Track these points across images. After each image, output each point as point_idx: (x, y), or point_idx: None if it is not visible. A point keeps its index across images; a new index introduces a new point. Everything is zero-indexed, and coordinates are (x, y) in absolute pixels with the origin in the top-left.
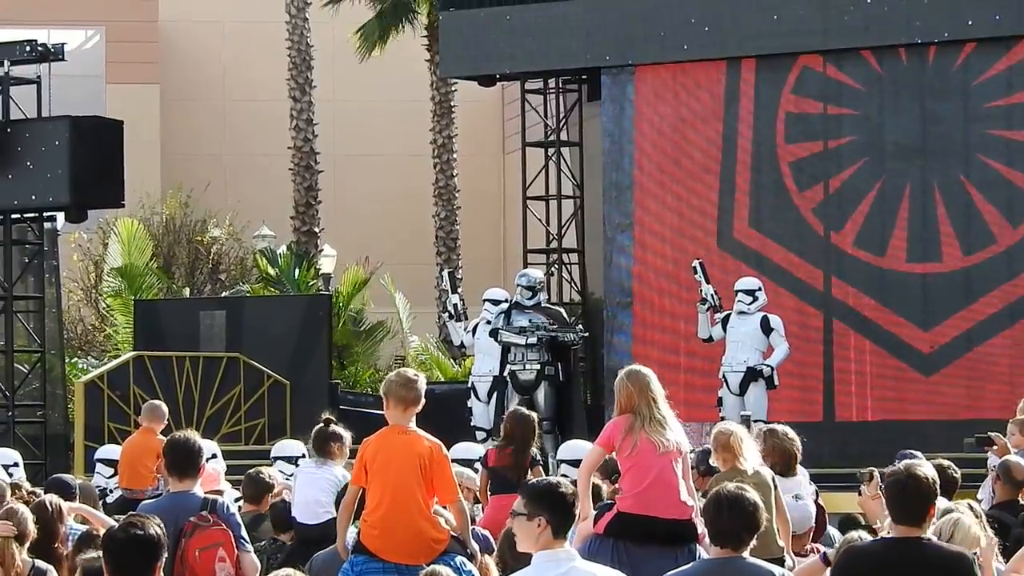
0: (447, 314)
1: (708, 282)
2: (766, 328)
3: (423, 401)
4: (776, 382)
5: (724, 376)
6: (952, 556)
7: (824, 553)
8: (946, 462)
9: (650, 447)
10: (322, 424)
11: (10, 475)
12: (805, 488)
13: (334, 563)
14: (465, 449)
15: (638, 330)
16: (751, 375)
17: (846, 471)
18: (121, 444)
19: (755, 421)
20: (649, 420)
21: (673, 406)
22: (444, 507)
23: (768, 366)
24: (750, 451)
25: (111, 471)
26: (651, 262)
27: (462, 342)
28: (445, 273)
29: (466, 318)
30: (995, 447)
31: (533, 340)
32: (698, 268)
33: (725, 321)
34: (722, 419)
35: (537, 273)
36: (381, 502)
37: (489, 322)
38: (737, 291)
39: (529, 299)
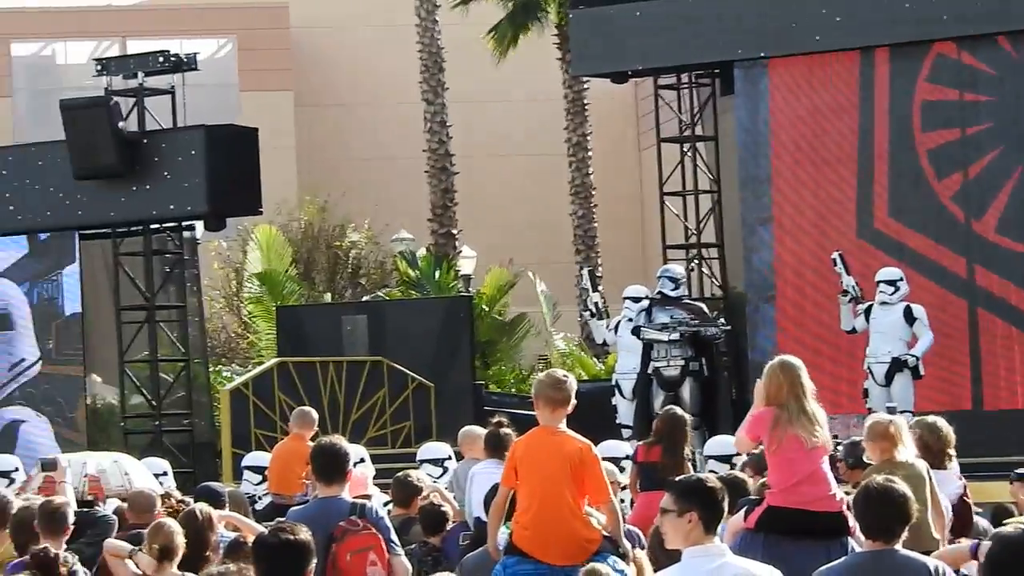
0: (588, 312)
1: (849, 273)
2: (909, 318)
3: (573, 402)
4: (921, 372)
5: (869, 367)
6: None
7: (977, 543)
8: None
9: (797, 442)
10: (495, 425)
11: (160, 484)
12: (948, 486)
13: (486, 564)
14: (610, 447)
15: (781, 323)
16: (896, 365)
17: (996, 460)
18: (268, 450)
19: (902, 412)
20: (797, 414)
21: (820, 399)
22: (595, 507)
23: (913, 356)
24: (907, 442)
25: (259, 478)
26: (791, 255)
27: (604, 340)
28: (585, 272)
29: (607, 316)
30: None
31: (675, 336)
32: (838, 260)
33: (868, 312)
34: (869, 411)
35: (679, 267)
36: (532, 503)
37: (631, 320)
38: (879, 281)
39: (673, 290)
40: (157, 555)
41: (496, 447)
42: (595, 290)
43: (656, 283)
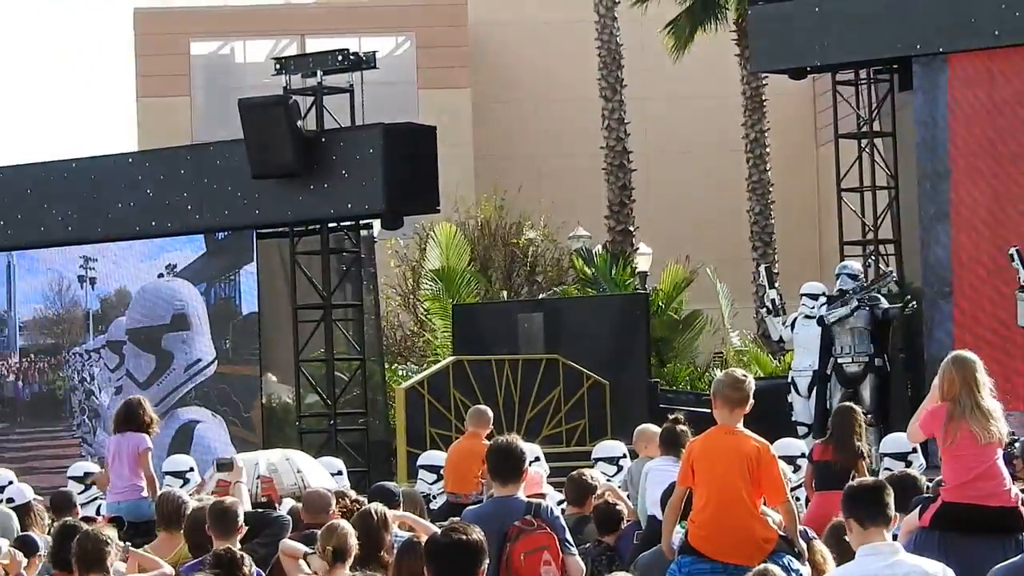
0: (765, 309)
1: None
2: None
3: (751, 402)
4: None
5: None
6: None
7: None
8: None
9: (971, 437)
10: (671, 422)
11: (335, 483)
12: None
13: (660, 563)
14: (786, 445)
15: (958, 319)
16: None
17: None
18: (443, 449)
19: None
20: (971, 409)
21: (998, 395)
22: (772, 507)
23: None
24: None
25: (434, 477)
26: (968, 250)
27: (780, 337)
28: (762, 268)
29: (784, 312)
30: None
31: (854, 303)
32: (1015, 255)
33: None
34: None
35: (857, 264)
36: (708, 503)
37: (809, 316)
38: None
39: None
40: (330, 557)
41: (672, 444)
42: (772, 286)
43: (834, 280)
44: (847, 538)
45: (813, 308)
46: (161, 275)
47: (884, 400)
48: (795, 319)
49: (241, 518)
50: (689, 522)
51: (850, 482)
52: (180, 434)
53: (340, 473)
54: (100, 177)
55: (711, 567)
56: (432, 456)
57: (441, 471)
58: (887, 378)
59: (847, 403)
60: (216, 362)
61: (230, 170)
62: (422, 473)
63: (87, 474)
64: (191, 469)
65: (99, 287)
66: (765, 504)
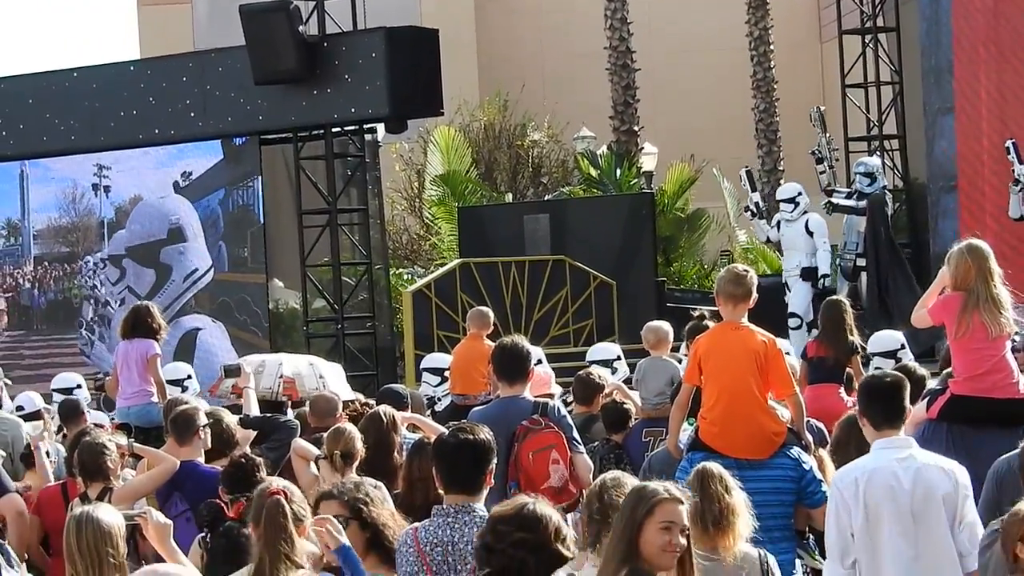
0: (748, 212)
1: (1022, 162)
2: None
3: (754, 296)
4: None
5: None
6: None
7: None
8: None
9: (983, 329)
10: (696, 319)
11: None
12: None
13: (671, 462)
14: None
15: (963, 213)
16: None
17: None
18: (449, 352)
19: None
20: (985, 300)
21: (1008, 286)
22: (779, 400)
23: None
24: None
25: (438, 379)
26: (973, 144)
27: (768, 238)
28: (743, 172)
29: (768, 216)
30: None
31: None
32: (1010, 148)
33: None
34: None
35: (876, 160)
36: (720, 398)
37: (788, 221)
38: None
39: (868, 186)
40: (338, 460)
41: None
42: (754, 190)
43: (853, 178)
44: (823, 453)
45: (792, 213)
46: (176, 183)
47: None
48: (779, 221)
49: (201, 422)
50: (700, 418)
51: (869, 376)
52: (184, 341)
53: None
54: (102, 86)
55: (723, 463)
56: (436, 359)
57: (445, 373)
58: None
59: (834, 297)
60: (213, 270)
61: (233, 77)
62: (426, 375)
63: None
64: (189, 377)
65: (113, 195)
66: (774, 398)
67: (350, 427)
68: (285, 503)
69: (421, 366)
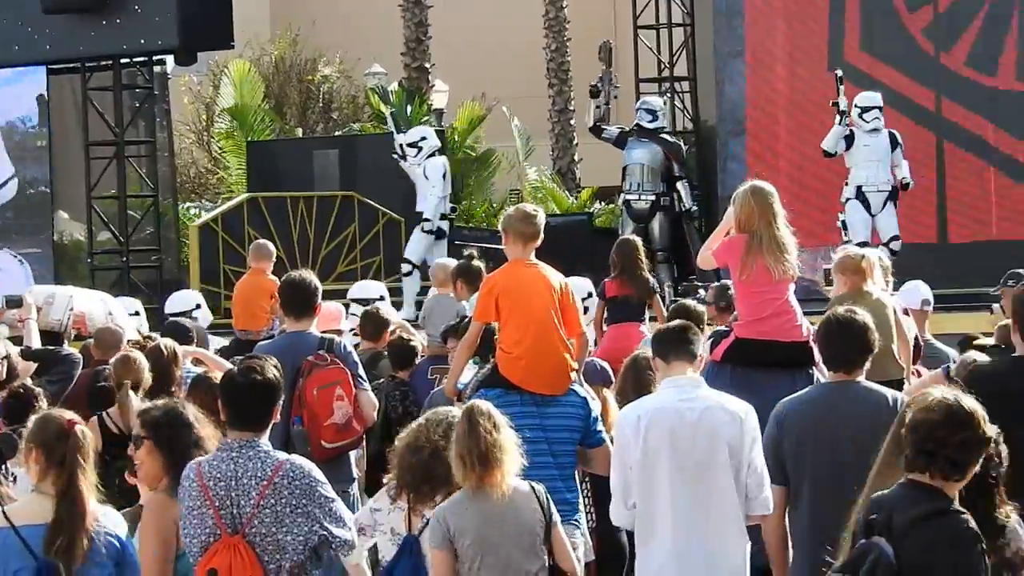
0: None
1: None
2: (894, 143)
3: (541, 236)
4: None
5: (866, 196)
6: None
7: (947, 367)
8: None
9: (765, 272)
10: (466, 258)
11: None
12: None
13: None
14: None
15: (751, 157)
16: (894, 193)
17: (961, 292)
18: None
19: (894, 238)
20: (768, 242)
21: (792, 228)
22: (569, 339)
23: (910, 180)
24: (877, 276)
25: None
26: (763, 88)
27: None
28: (388, 113)
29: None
30: None
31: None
32: (841, 78)
33: (850, 140)
34: (847, 242)
35: (658, 99)
36: (527, 334)
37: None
38: (869, 108)
39: (650, 122)
40: (127, 388)
41: (471, 280)
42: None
43: (634, 115)
44: (607, 393)
45: (415, 156)
46: None
47: (676, 237)
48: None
49: None
50: (502, 353)
51: (656, 324)
52: None
53: (137, 313)
54: None
55: (520, 399)
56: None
57: (193, 313)
58: (678, 217)
59: (626, 236)
60: (15, 179)
61: (20, 5)
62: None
63: None
64: None
65: None
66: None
67: (136, 354)
68: (82, 437)
69: (166, 310)
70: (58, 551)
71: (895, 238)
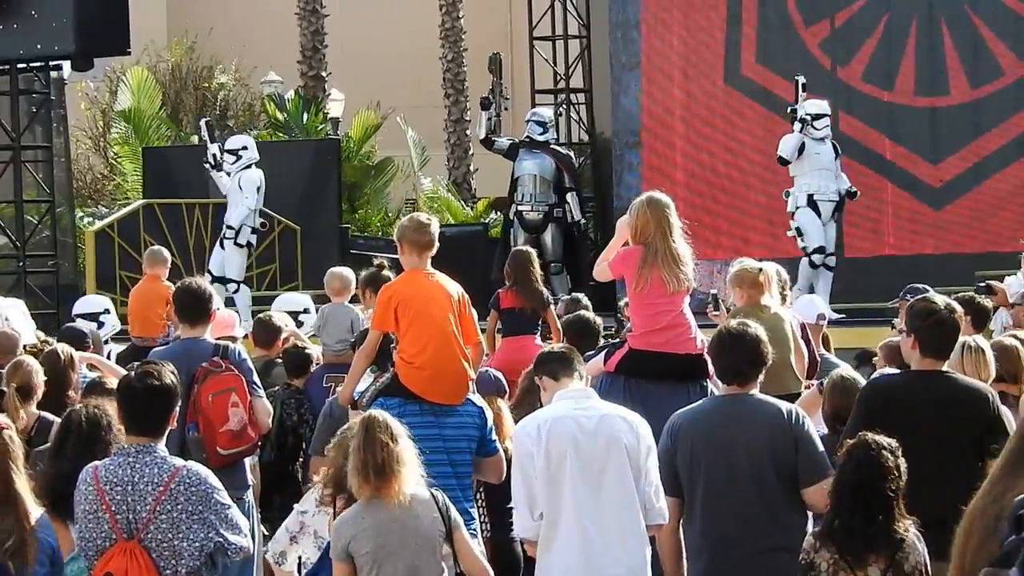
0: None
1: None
2: (837, 153)
3: (436, 244)
4: None
5: (816, 204)
6: (973, 389)
7: (820, 382)
8: (974, 294)
9: (660, 285)
10: (375, 267)
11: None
12: None
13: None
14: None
15: (646, 169)
16: (841, 202)
17: (859, 306)
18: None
19: (831, 254)
20: (663, 254)
21: (689, 241)
22: (466, 347)
23: (855, 190)
24: (774, 290)
25: (94, 325)
26: (659, 100)
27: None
28: (202, 122)
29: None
30: (995, 295)
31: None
32: (800, 84)
33: (800, 149)
34: (804, 249)
35: (548, 111)
36: (429, 344)
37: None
38: (818, 115)
39: (540, 135)
40: (13, 394)
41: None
42: (213, 142)
43: (524, 127)
44: (501, 403)
45: (234, 163)
46: None
47: (569, 248)
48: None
49: None
50: (403, 363)
51: (542, 345)
52: None
53: (24, 315)
54: None
55: (420, 408)
56: (89, 303)
57: (100, 317)
58: (570, 228)
59: (521, 247)
60: None
61: None
62: (80, 323)
63: None
64: None
65: None
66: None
67: (29, 360)
68: (14, 434)
69: (73, 312)
70: (9, 553)
71: (832, 254)
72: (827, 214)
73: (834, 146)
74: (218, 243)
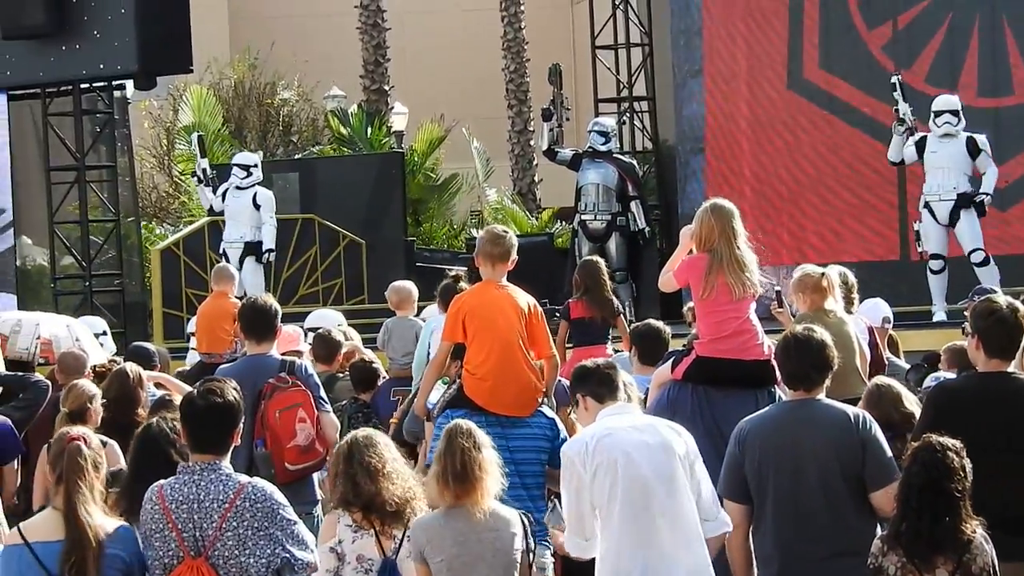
0: (197, 178)
1: (906, 100)
2: (974, 149)
3: (514, 257)
4: (986, 209)
5: (928, 206)
6: None
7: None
8: None
9: (726, 291)
10: (451, 279)
11: (101, 344)
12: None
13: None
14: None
15: (711, 176)
16: (962, 201)
17: (920, 309)
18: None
19: (975, 250)
20: (728, 261)
21: (754, 247)
22: (539, 360)
23: (986, 194)
24: (837, 295)
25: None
26: (722, 106)
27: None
28: (194, 136)
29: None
30: None
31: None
32: (896, 84)
33: (921, 145)
34: (922, 253)
35: (610, 120)
36: (491, 355)
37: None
38: (940, 112)
39: (602, 144)
40: (64, 417)
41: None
42: (204, 156)
43: (587, 137)
44: (573, 416)
45: (245, 179)
46: None
47: (633, 256)
48: (226, 190)
49: None
50: (467, 374)
51: (582, 363)
52: None
53: (105, 333)
54: None
55: (485, 420)
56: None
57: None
58: (634, 236)
59: (591, 258)
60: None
61: None
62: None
63: None
64: None
65: None
66: (535, 357)
67: (84, 384)
68: (84, 447)
69: (188, 331)
70: (71, 569)
71: (975, 251)
72: (943, 215)
73: (969, 141)
74: (240, 262)
